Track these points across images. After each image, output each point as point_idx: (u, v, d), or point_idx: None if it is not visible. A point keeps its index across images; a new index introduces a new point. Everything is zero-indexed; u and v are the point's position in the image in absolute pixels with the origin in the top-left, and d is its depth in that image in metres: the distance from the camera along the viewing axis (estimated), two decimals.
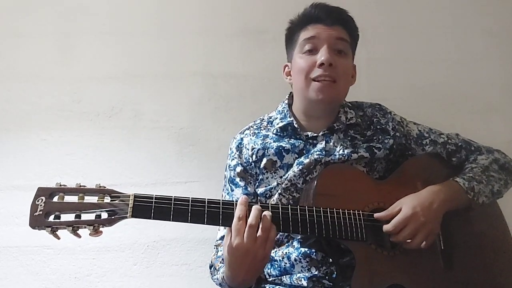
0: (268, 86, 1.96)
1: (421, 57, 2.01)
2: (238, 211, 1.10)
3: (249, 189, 1.39)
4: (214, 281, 1.32)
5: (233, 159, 1.43)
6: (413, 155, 1.41)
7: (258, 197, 1.38)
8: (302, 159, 1.33)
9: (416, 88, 1.98)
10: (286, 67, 1.46)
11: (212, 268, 1.34)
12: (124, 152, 1.92)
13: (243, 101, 1.96)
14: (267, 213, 1.11)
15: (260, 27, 2.01)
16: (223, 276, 1.20)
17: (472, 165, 1.36)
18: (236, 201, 1.13)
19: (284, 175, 1.34)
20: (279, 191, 1.32)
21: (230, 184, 1.42)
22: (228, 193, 1.42)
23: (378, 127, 1.41)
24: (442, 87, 1.99)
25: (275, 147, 1.36)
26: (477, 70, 2.00)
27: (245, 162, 1.40)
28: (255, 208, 1.11)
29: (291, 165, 1.34)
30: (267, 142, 1.38)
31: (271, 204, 1.16)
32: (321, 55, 1.31)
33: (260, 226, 1.09)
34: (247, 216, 1.10)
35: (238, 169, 1.40)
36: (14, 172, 1.87)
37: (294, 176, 1.31)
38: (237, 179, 1.40)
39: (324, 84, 1.31)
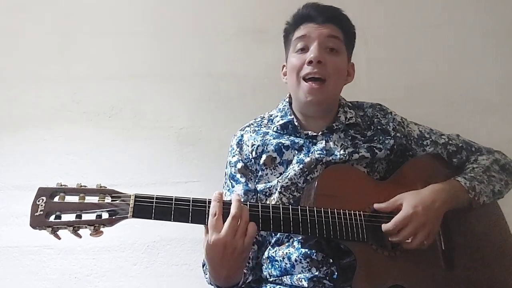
0: (268, 86, 1.96)
1: (420, 56, 2.01)
2: (212, 208, 1.09)
3: (249, 185, 1.39)
4: (206, 280, 1.31)
5: (234, 156, 1.43)
6: (413, 156, 1.41)
7: (258, 194, 1.37)
8: (302, 156, 1.33)
9: (416, 88, 1.98)
10: (284, 67, 1.47)
11: (204, 267, 1.32)
12: (124, 152, 1.91)
13: (243, 101, 1.96)
14: (245, 206, 1.11)
15: (260, 27, 2.01)
16: (209, 276, 1.20)
17: (473, 165, 1.36)
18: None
19: (283, 172, 1.34)
20: (279, 190, 1.31)
21: (231, 181, 1.42)
22: (228, 189, 1.41)
23: (379, 127, 1.41)
24: (442, 87, 1.99)
25: (274, 144, 1.37)
26: (477, 70, 2.00)
27: (245, 159, 1.40)
28: (236, 200, 1.10)
29: (290, 162, 1.34)
30: (266, 139, 1.39)
31: (271, 204, 1.16)
32: (310, 53, 1.32)
33: (240, 218, 1.09)
34: (222, 212, 1.09)
35: (239, 165, 1.40)
36: (14, 172, 1.87)
37: (295, 175, 1.31)
38: (238, 176, 1.40)
39: (312, 86, 1.31)
